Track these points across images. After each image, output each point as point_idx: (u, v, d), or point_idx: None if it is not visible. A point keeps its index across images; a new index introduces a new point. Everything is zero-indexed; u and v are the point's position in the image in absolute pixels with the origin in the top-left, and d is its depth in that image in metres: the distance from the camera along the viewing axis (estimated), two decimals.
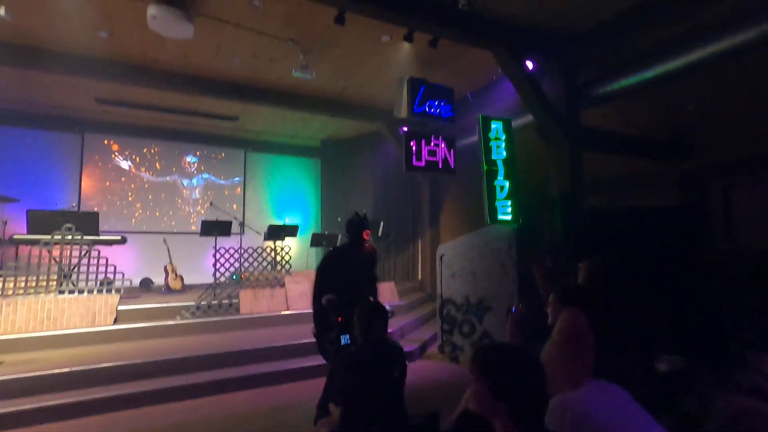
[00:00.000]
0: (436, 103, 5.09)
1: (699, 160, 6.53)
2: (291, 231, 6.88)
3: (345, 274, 3.59)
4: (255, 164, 10.76)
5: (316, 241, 7.43)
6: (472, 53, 5.95)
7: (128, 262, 8.45)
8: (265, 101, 7.47)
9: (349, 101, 7.92)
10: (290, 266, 6.90)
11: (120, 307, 5.39)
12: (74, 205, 5.92)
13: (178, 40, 5.33)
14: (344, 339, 2.18)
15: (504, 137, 5.39)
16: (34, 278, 5.15)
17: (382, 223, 8.23)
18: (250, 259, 6.55)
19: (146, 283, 7.93)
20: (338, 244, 7.73)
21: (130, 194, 9.25)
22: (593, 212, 5.69)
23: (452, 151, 5.22)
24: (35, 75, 6.57)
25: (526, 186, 5.84)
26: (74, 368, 3.91)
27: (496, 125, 5.34)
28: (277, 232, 6.72)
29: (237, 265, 6.41)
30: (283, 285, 6.45)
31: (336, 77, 6.93)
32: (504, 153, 5.35)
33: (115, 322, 5.27)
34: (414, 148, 4.89)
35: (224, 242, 6.58)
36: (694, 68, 5.05)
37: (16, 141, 8.15)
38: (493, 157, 5.25)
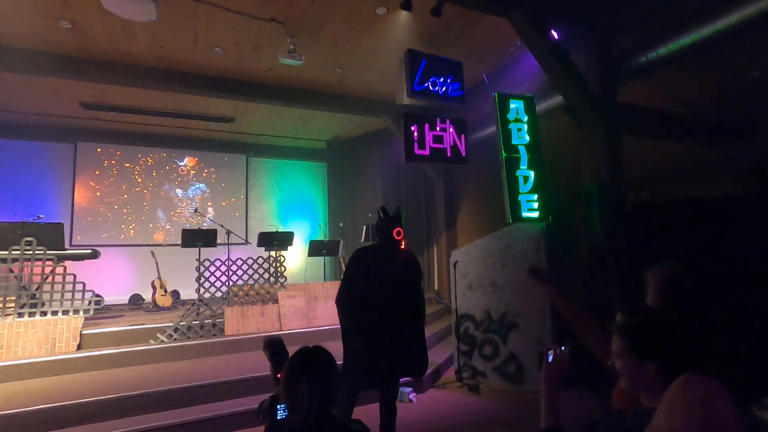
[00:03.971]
0: (441, 80, 4.24)
1: (765, 143, 5.42)
2: (285, 238, 6.10)
3: (371, 285, 2.72)
4: (258, 170, 10.14)
5: (314, 249, 6.63)
6: (486, 24, 5.09)
7: (120, 278, 7.93)
8: (257, 97, 6.79)
9: (349, 93, 7.15)
10: (285, 279, 6.12)
11: (86, 331, 4.73)
12: (41, 216, 5.34)
13: (144, 24, 4.71)
14: (282, 410, 1.32)
15: (526, 119, 4.50)
16: None
17: None
18: (239, 272, 5.81)
19: (136, 300, 7.32)
20: (340, 253, 6.93)
21: (125, 205, 8.74)
22: (639, 206, 4.68)
23: (463, 136, 4.34)
24: (8, 78, 6.08)
25: (557, 177, 4.91)
26: (2, 412, 3.20)
27: (516, 104, 4.45)
28: (268, 240, 5.96)
29: (224, 278, 5.67)
30: (276, 301, 5.67)
31: (331, 65, 6.18)
32: (527, 137, 4.44)
33: (79, 348, 4.59)
34: (416, 134, 4.05)
35: (221, 253, 5.92)
36: (759, 22, 4.03)
37: (2, 152, 7.76)
38: (513, 143, 4.35)
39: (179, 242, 5.73)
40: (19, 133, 8.00)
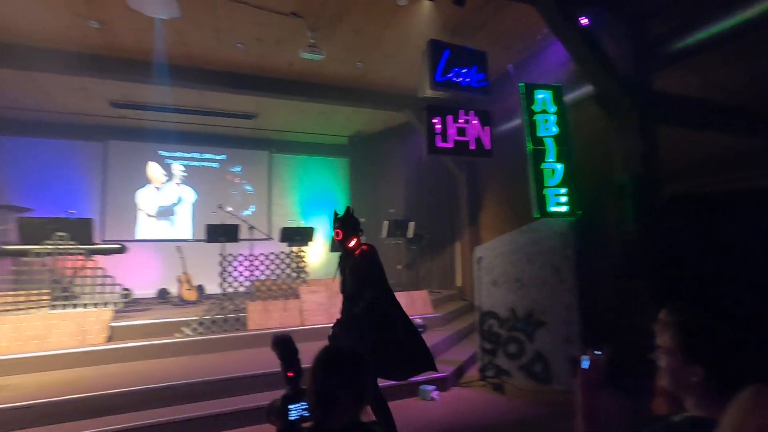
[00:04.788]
0: (465, 70, 4.11)
1: None
2: (307, 234, 6.11)
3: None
4: (280, 166, 10.23)
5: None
6: (511, 12, 4.93)
7: (148, 272, 8.13)
8: (278, 93, 6.82)
9: (371, 87, 7.09)
10: (307, 274, 6.13)
11: (115, 324, 4.84)
12: (72, 212, 5.50)
13: (168, 22, 4.76)
14: (295, 410, 1.26)
15: (554, 109, 4.32)
16: (25, 293, 4.71)
17: (412, 225, 7.28)
18: (262, 267, 5.84)
19: (163, 294, 7.50)
20: None
21: (154, 201, 8.96)
22: (676, 198, 4.43)
23: (487, 128, 4.21)
24: (41, 78, 6.30)
25: (587, 170, 4.71)
26: (26, 402, 3.30)
27: (542, 95, 4.28)
28: (290, 236, 5.97)
29: (247, 273, 5.72)
30: (298, 296, 5.68)
31: (352, 59, 6.12)
32: (554, 128, 4.27)
33: (108, 340, 4.71)
34: (438, 126, 3.94)
35: (252, 248, 5.97)
36: None
37: (35, 151, 8.07)
38: (539, 134, 4.19)
39: (204, 237, 5.81)
40: (52, 132, 8.30)
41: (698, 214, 3.87)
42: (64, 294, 4.83)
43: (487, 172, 7.70)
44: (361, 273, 2.86)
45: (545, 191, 4.18)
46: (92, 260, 5.06)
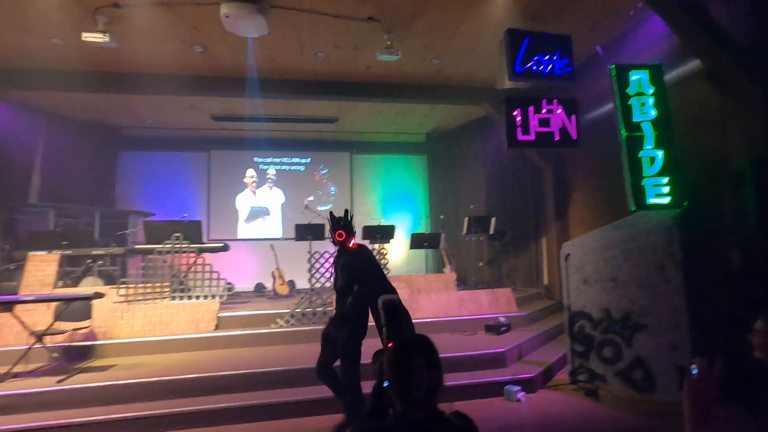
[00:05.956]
0: (547, 57, 3.90)
1: None
2: (387, 231, 6.27)
3: None
4: (361, 166, 10.60)
5: (416, 242, 6.68)
6: None
7: (246, 268, 8.96)
8: (357, 96, 7.08)
9: (448, 83, 7.03)
10: (389, 271, 6.28)
11: (221, 314, 5.44)
12: (185, 215, 6.29)
13: (258, 39, 5.21)
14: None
15: (651, 90, 3.91)
16: (151, 285, 5.51)
17: (493, 220, 7.08)
18: None
19: (259, 288, 8.21)
20: (441, 245, 6.87)
21: (250, 203, 9.85)
22: None
23: (573, 117, 3.95)
24: (159, 100, 7.27)
25: (693, 157, 4.19)
26: (158, 378, 3.87)
27: (638, 75, 3.90)
28: (372, 234, 6.18)
29: (333, 269, 6.03)
30: None
31: (428, 56, 6.13)
32: (653, 112, 3.86)
33: (216, 328, 5.31)
34: (518, 118, 3.79)
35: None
36: None
37: (155, 163, 9.36)
38: (635, 120, 3.82)
39: (293, 236, 6.26)
40: (167, 146, 9.58)
41: None
42: (180, 287, 5.55)
43: (576, 163, 7.20)
44: (349, 270, 3.06)
45: (643, 181, 3.80)
46: (202, 257, 5.75)
